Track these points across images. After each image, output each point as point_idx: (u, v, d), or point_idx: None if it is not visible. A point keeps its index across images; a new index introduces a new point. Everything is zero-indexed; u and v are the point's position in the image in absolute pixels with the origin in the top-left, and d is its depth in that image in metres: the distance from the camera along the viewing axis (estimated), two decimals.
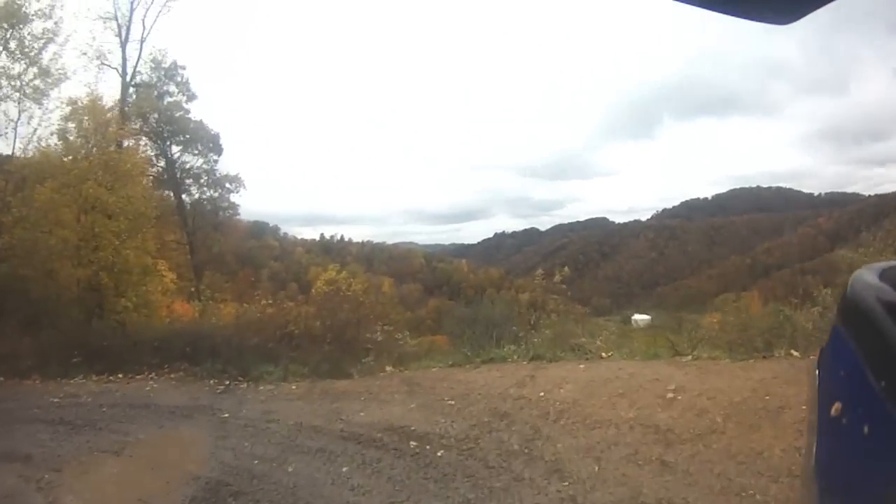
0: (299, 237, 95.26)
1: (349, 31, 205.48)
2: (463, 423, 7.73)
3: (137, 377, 11.27)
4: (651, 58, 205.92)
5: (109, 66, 22.19)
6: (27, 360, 11.77)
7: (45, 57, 16.47)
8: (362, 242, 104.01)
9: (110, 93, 21.33)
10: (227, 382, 10.68)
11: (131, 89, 25.36)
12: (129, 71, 23.50)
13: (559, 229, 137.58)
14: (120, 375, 11.34)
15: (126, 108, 22.35)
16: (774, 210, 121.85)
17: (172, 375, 11.27)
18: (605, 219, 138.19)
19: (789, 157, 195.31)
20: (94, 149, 15.92)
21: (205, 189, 32.04)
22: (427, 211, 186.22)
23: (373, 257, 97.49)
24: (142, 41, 23.38)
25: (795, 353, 8.72)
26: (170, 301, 18.79)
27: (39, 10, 16.22)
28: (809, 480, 1.39)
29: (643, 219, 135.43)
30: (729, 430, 6.52)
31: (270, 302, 15.20)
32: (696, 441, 6.41)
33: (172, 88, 29.83)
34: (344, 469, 6.60)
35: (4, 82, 16.13)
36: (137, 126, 26.27)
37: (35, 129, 16.50)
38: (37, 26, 16.27)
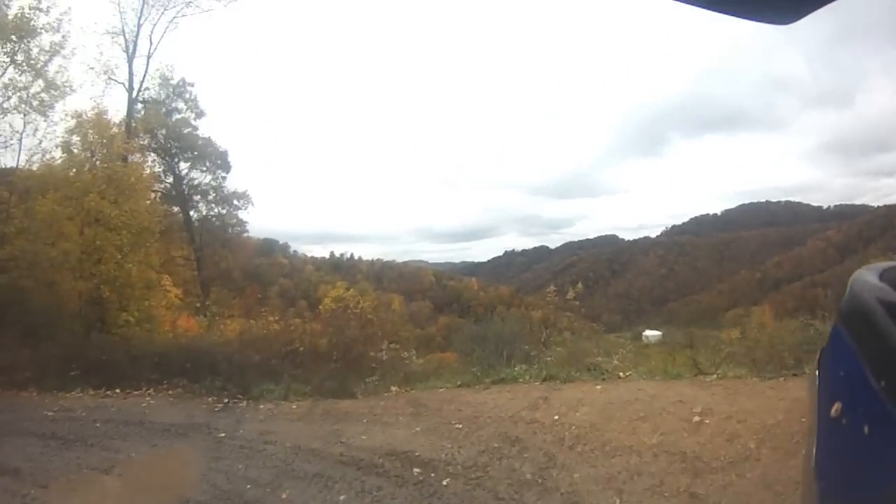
0: (309, 255, 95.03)
1: (360, 49, 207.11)
2: (471, 449, 7.23)
3: (135, 392, 10.93)
4: (658, 76, 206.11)
5: (116, 80, 22.05)
6: (25, 372, 11.52)
7: (52, 70, 16.43)
8: (372, 260, 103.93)
9: (117, 107, 21.38)
10: (227, 400, 10.30)
11: (139, 105, 25.32)
12: (136, 86, 23.31)
13: (569, 247, 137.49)
14: (117, 390, 11.02)
15: (132, 123, 22.24)
16: (783, 224, 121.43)
17: (171, 392, 10.92)
18: (614, 236, 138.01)
19: (797, 171, 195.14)
20: (98, 162, 15.90)
21: (213, 206, 32.43)
22: (437, 229, 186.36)
23: (382, 275, 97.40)
24: (149, 56, 23.24)
25: None
26: (175, 316, 18.64)
27: (48, 23, 16.20)
28: (809, 480, 1.33)
29: (653, 235, 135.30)
30: (764, 456, 5.98)
31: (276, 319, 14.94)
32: (727, 470, 5.90)
33: (181, 105, 30.18)
34: (341, 497, 6.18)
35: (11, 94, 16.02)
36: (146, 142, 26.45)
37: (40, 142, 16.38)
38: (45, 39, 16.25)
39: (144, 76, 23.64)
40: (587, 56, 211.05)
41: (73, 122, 16.20)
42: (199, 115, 30.73)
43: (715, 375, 8.92)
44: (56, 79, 16.39)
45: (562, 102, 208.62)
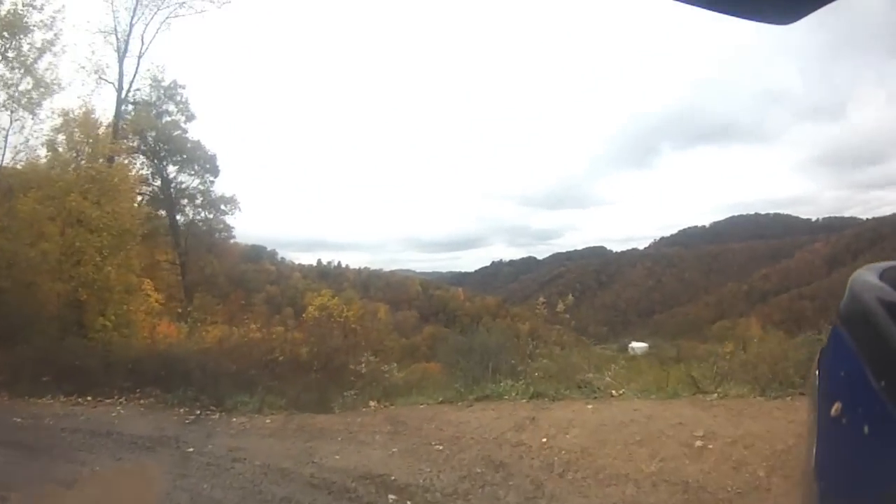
0: (297, 262, 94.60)
1: (352, 57, 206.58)
2: (452, 474, 6.76)
3: (106, 401, 10.68)
4: (650, 87, 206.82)
5: (107, 80, 21.83)
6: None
7: (41, 67, 16.31)
8: (359, 269, 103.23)
9: (106, 108, 21.16)
10: (199, 412, 9.99)
11: (130, 106, 25.15)
12: (126, 86, 23.05)
13: (557, 258, 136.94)
14: (89, 397, 10.78)
15: (121, 124, 22.04)
16: (772, 236, 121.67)
17: (142, 401, 10.64)
18: (602, 248, 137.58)
19: (787, 184, 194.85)
20: (83, 161, 15.66)
21: (199, 210, 32.08)
22: (424, 239, 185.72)
23: (369, 284, 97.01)
24: (140, 56, 22.99)
25: None
26: (156, 322, 18.33)
27: (41, 20, 16.15)
28: (809, 481, 1.30)
29: (641, 247, 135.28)
30: (775, 486, 5.59)
31: (258, 327, 14.71)
32: (735, 501, 5.53)
33: (171, 107, 29.71)
34: None
35: (0, 90, 15.91)
36: (135, 144, 26.26)
37: (27, 140, 16.32)
38: (37, 37, 16.16)
39: (134, 76, 23.35)
40: (577, 67, 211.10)
41: (59, 121, 16.13)
42: (190, 117, 30.28)
43: (715, 394, 8.54)
44: (45, 76, 16.29)
45: (552, 113, 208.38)
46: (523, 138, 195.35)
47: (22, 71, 15.90)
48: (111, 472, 7.34)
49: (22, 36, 15.79)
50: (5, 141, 16.16)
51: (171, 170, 31.11)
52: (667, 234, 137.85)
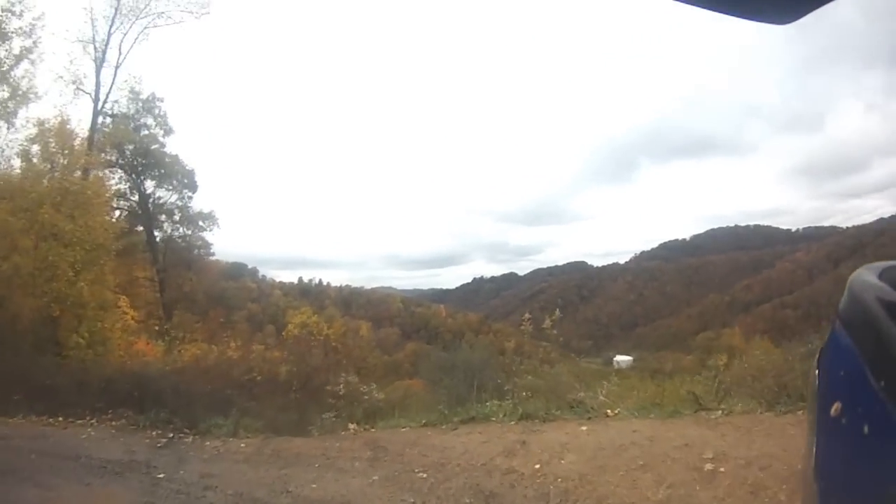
0: (278, 280, 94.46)
1: (332, 72, 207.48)
2: None
3: (78, 422, 10.21)
4: (628, 103, 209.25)
5: (84, 90, 21.58)
6: None
7: (17, 74, 16.15)
8: (340, 286, 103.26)
9: (84, 118, 21.02)
10: (171, 435, 9.51)
11: (108, 119, 24.98)
12: (103, 97, 22.82)
13: (538, 274, 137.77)
14: (60, 418, 10.32)
15: (97, 136, 21.79)
16: (752, 248, 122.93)
17: (114, 423, 10.16)
18: (583, 262, 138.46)
19: (766, 195, 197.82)
20: (57, 173, 15.26)
21: (178, 226, 31.87)
22: (405, 256, 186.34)
23: (351, 301, 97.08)
24: (117, 66, 22.82)
25: None
26: (133, 339, 17.92)
27: (20, 27, 16.03)
28: (809, 481, 1.27)
29: (622, 261, 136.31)
30: None
31: (236, 345, 14.38)
32: None
33: (150, 121, 29.52)
34: None
35: None
36: (113, 158, 26.02)
37: (1, 149, 16.11)
38: (15, 44, 16.03)
39: (111, 86, 23.32)
40: (555, 84, 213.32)
41: (34, 130, 15.87)
42: (168, 131, 30.08)
43: (720, 411, 8.10)
44: (21, 84, 16.11)
45: (530, 130, 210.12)
46: (502, 155, 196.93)
47: None
48: (79, 497, 6.92)
49: (0, 43, 15.59)
50: None
51: (149, 185, 30.83)
52: (647, 247, 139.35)
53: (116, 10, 21.76)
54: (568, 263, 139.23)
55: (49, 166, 15.47)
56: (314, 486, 6.98)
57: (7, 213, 13.79)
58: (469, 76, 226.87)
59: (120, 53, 22.65)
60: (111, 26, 22.05)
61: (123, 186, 29.19)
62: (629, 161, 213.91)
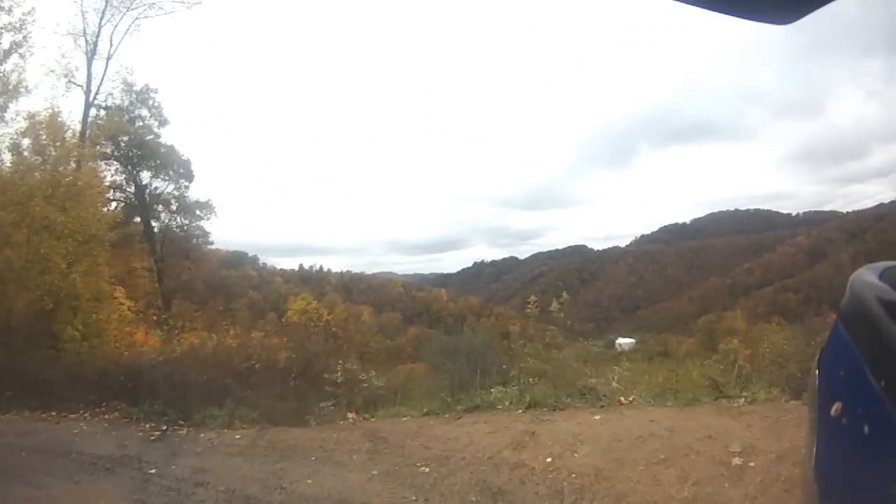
0: (279, 267, 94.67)
1: (330, 58, 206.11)
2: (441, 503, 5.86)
3: (71, 416, 10.02)
4: (627, 89, 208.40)
5: (76, 83, 21.52)
6: None
7: (6, 69, 16.22)
8: (341, 272, 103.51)
9: (77, 111, 21.08)
10: (165, 427, 9.33)
11: (102, 112, 24.93)
12: (94, 89, 22.74)
13: (538, 257, 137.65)
14: (53, 412, 10.13)
15: (90, 128, 21.72)
16: (753, 231, 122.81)
17: (107, 416, 9.98)
18: (584, 246, 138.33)
19: (766, 180, 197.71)
20: (48, 165, 15.12)
21: (175, 215, 32.03)
22: (405, 241, 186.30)
23: (352, 287, 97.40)
24: (108, 58, 22.69)
25: None
26: (131, 330, 17.76)
27: (9, 23, 16.13)
28: (809, 481, 1.26)
29: (622, 245, 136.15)
30: None
31: (236, 333, 14.28)
32: None
33: (144, 112, 29.73)
34: None
35: None
36: (109, 150, 25.99)
37: None
38: (5, 39, 16.13)
39: (103, 78, 23.28)
40: (554, 69, 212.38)
41: (25, 124, 15.65)
42: (163, 122, 30.31)
43: (742, 399, 7.78)
44: (11, 78, 16.14)
45: (530, 115, 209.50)
46: (502, 140, 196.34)
47: None
48: (68, 496, 6.73)
49: None
50: None
51: (145, 175, 30.95)
52: (647, 231, 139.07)
53: (107, 2, 21.98)
54: (568, 247, 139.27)
55: (40, 159, 15.28)
56: (309, 481, 6.67)
57: None
58: (469, 61, 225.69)
59: (111, 45, 22.67)
60: (102, 18, 22.13)
61: (119, 178, 29.50)
62: (628, 146, 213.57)
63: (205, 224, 32.48)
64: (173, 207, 31.45)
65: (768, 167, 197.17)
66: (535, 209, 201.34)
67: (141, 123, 29.34)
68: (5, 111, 15.81)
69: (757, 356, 9.82)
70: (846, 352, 1.19)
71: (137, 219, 30.09)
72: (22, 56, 16.42)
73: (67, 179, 14.88)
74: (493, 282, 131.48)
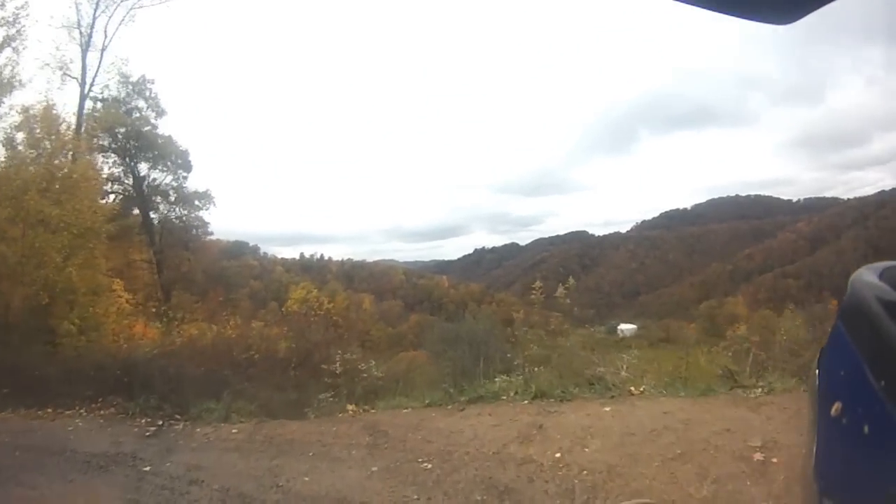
0: (279, 256, 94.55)
1: (327, 45, 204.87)
2: (444, 503, 5.56)
3: (67, 412, 9.92)
4: (627, 74, 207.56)
5: (71, 76, 21.39)
6: None
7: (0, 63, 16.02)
8: (342, 260, 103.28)
9: (72, 104, 20.92)
10: (161, 422, 9.20)
11: (98, 103, 24.86)
12: (89, 81, 22.60)
13: (539, 243, 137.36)
14: (49, 409, 10.04)
15: (85, 120, 21.63)
16: (753, 217, 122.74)
17: (103, 411, 9.88)
18: (584, 232, 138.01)
19: (767, 166, 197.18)
20: (42, 159, 14.98)
21: (173, 206, 31.82)
22: (406, 229, 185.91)
23: (353, 275, 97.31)
24: (103, 49, 22.55)
25: None
26: (130, 322, 17.73)
27: (2, 17, 16.21)
28: (809, 481, 1.27)
29: (623, 231, 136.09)
30: None
31: (235, 323, 14.21)
32: None
33: (141, 103, 29.53)
34: None
35: None
36: (106, 142, 25.93)
37: None
38: None
39: (98, 70, 23.08)
40: (555, 54, 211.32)
41: (19, 118, 15.54)
42: (160, 113, 30.02)
43: (759, 389, 7.47)
44: (4, 73, 16.04)
45: (529, 101, 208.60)
46: (501, 126, 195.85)
47: None
48: (60, 496, 6.57)
49: None
50: None
51: (143, 167, 30.74)
52: (648, 217, 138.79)
53: None
54: (569, 233, 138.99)
55: (35, 153, 15.17)
56: (307, 478, 6.47)
57: None
58: (468, 47, 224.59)
59: (106, 36, 22.53)
60: (96, 9, 22.02)
61: (117, 170, 29.39)
62: (629, 132, 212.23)
63: (204, 214, 32.29)
64: (172, 198, 31.28)
65: (769, 153, 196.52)
66: (536, 195, 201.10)
67: (138, 115, 29.17)
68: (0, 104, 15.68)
69: (771, 344, 9.52)
70: (846, 352, 1.19)
71: (136, 211, 29.95)
72: (15, 50, 16.38)
73: (62, 172, 14.78)
74: (494, 268, 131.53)
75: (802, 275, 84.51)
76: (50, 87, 19.11)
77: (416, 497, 5.73)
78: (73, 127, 18.62)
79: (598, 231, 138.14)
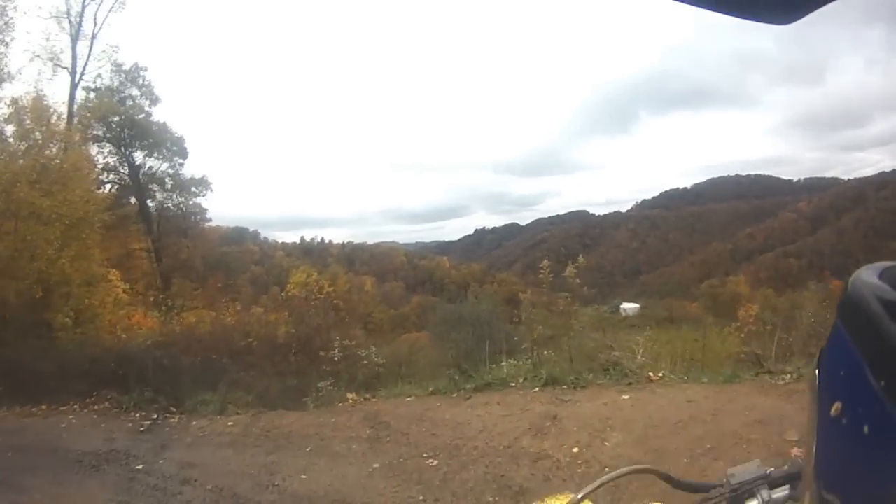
0: (280, 241, 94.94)
1: (324, 28, 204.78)
2: None
3: (61, 408, 9.76)
4: (626, 53, 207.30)
5: (61, 66, 21.17)
6: None
7: None
8: (343, 243, 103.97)
9: (64, 94, 20.70)
10: (155, 416, 9.01)
11: (91, 94, 24.57)
12: (79, 70, 22.31)
13: (539, 223, 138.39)
14: (43, 406, 9.89)
15: (76, 109, 21.40)
16: (753, 197, 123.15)
17: (96, 406, 9.70)
18: (585, 212, 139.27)
19: (767, 146, 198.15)
20: (33, 151, 14.80)
21: (170, 194, 31.68)
22: (406, 210, 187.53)
23: (354, 257, 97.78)
24: (93, 38, 22.25)
25: None
26: (129, 312, 17.64)
27: None
28: (809, 481, 1.07)
29: (623, 210, 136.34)
30: None
31: (234, 309, 14.10)
32: None
33: (134, 92, 29.39)
34: None
35: None
36: (100, 132, 25.76)
37: None
38: None
39: (88, 58, 22.75)
40: (554, 33, 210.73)
41: (8, 110, 15.36)
42: (154, 100, 29.92)
43: (788, 376, 7.02)
44: None
45: (529, 80, 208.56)
46: (500, 107, 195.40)
47: None
48: (51, 498, 6.38)
49: None
50: None
51: (139, 155, 30.54)
52: (648, 196, 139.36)
53: None
54: (569, 213, 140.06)
55: (25, 145, 14.98)
56: (304, 476, 6.18)
57: None
58: (467, 26, 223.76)
59: (95, 24, 22.19)
60: None
61: (112, 160, 29.22)
62: (628, 111, 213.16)
63: (202, 201, 32.21)
64: (168, 186, 31.19)
65: (769, 132, 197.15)
66: (536, 175, 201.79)
67: (132, 103, 29.04)
68: None
69: (792, 325, 9.08)
70: (846, 351, 1.00)
71: (133, 199, 29.86)
72: (4, 42, 16.06)
73: (54, 163, 14.59)
74: (495, 248, 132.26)
75: (803, 254, 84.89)
76: (40, 78, 18.90)
77: (421, 498, 5.42)
78: (65, 117, 18.41)
79: (599, 210, 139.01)
